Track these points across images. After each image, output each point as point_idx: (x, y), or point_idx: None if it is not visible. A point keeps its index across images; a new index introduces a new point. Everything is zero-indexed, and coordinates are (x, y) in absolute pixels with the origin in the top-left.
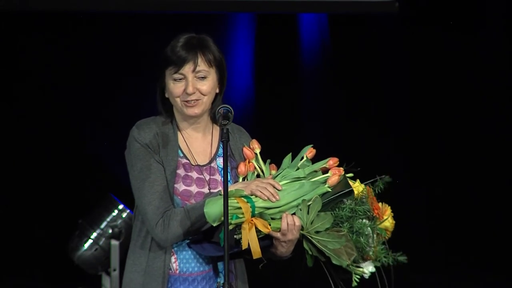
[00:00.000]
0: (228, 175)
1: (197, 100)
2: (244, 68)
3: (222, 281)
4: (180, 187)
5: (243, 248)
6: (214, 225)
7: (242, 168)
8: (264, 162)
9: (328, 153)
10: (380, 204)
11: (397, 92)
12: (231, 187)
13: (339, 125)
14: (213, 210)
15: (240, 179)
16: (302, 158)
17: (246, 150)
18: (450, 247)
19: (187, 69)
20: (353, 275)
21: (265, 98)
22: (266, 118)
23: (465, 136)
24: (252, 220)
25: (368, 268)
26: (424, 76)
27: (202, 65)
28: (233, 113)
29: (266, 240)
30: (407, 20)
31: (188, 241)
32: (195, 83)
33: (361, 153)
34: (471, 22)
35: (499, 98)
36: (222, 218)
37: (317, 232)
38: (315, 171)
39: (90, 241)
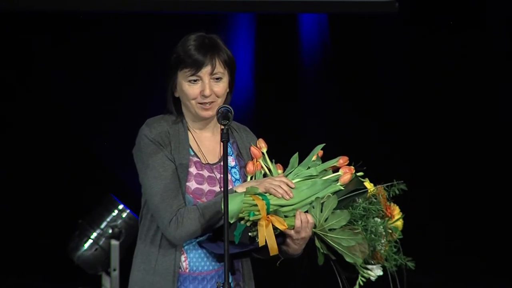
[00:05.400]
0: (238, 173)
1: (212, 102)
2: (244, 68)
3: (222, 282)
4: (192, 185)
5: (260, 245)
6: (232, 221)
7: (250, 167)
8: (270, 161)
9: (328, 153)
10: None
11: (397, 92)
12: (245, 185)
13: (339, 125)
14: (231, 207)
15: (248, 178)
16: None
17: (254, 149)
18: (450, 247)
19: (205, 71)
20: (359, 277)
21: (265, 98)
22: (266, 118)
23: (465, 136)
24: (268, 217)
25: (376, 272)
26: (424, 75)
27: (218, 67)
28: (233, 113)
29: (279, 238)
30: (407, 20)
31: (198, 239)
32: (212, 85)
33: (360, 153)
34: (471, 22)
35: (499, 98)
36: (239, 215)
37: (331, 229)
38: (325, 170)
39: (90, 241)
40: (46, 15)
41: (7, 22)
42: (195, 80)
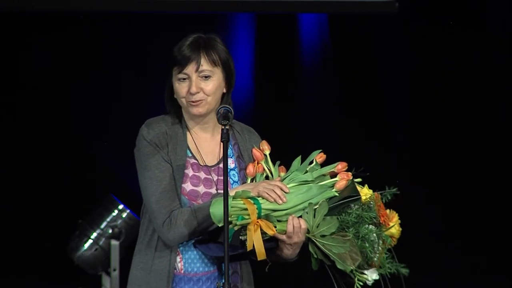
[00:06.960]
0: (237, 176)
1: (201, 100)
2: (244, 68)
3: (222, 282)
4: (188, 187)
5: (247, 250)
6: (220, 225)
7: (250, 169)
8: (273, 163)
9: (328, 153)
10: (387, 211)
11: (397, 92)
12: (239, 188)
13: (339, 125)
14: (219, 210)
15: (249, 180)
16: (311, 162)
17: (255, 151)
18: (450, 247)
19: (190, 68)
20: (356, 281)
21: (265, 98)
22: (266, 118)
23: (465, 136)
24: (257, 222)
25: (372, 276)
26: (424, 75)
27: (205, 65)
28: (233, 113)
29: (271, 242)
30: (407, 20)
31: (193, 241)
32: (198, 83)
33: (361, 153)
34: (471, 22)
35: (500, 98)
36: (229, 219)
37: (323, 236)
38: (323, 175)
39: (90, 241)
40: (46, 15)
41: (7, 22)
42: (184, 79)
